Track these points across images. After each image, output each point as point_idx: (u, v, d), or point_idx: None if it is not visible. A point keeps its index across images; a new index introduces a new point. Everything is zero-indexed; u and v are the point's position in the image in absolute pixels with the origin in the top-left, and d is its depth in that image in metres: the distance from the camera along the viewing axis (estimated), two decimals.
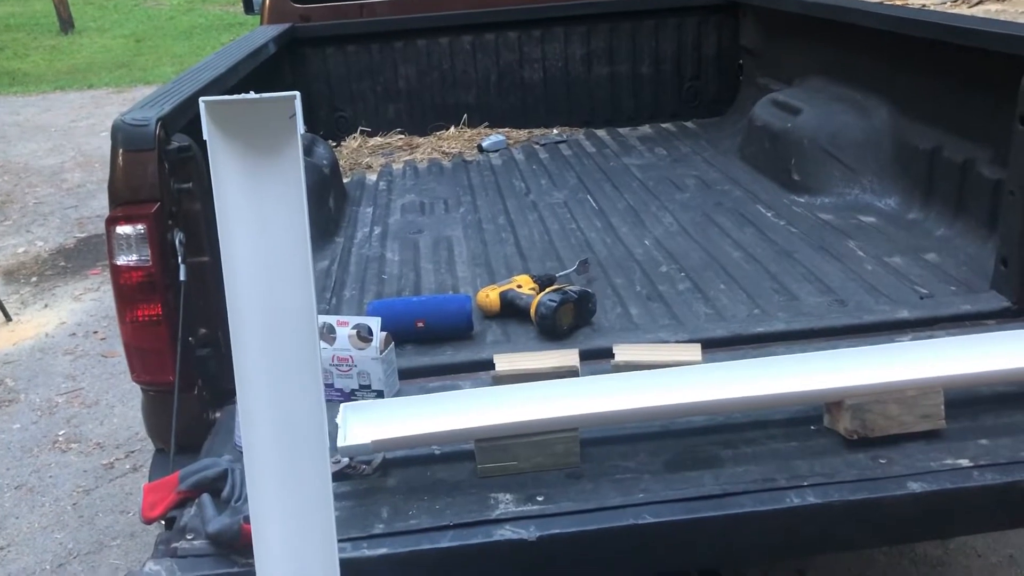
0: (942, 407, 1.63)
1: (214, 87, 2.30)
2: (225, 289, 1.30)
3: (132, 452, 3.49)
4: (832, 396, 1.62)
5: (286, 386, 1.33)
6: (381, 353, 1.86)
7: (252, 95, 1.28)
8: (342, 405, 1.66)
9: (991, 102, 2.32)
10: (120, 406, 3.80)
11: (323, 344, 1.91)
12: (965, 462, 1.56)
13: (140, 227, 1.82)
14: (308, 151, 3.09)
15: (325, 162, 3.10)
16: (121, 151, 1.83)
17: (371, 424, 1.58)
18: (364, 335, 1.89)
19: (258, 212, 1.30)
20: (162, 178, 1.83)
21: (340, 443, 1.56)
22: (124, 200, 1.83)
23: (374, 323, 1.86)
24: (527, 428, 1.57)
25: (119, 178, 1.84)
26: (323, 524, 1.34)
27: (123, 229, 1.83)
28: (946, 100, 2.61)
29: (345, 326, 1.89)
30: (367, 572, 1.45)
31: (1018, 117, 2.06)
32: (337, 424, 1.60)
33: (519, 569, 1.49)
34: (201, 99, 1.26)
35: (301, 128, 1.28)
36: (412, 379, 1.99)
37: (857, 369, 1.62)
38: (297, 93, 1.27)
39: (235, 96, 1.28)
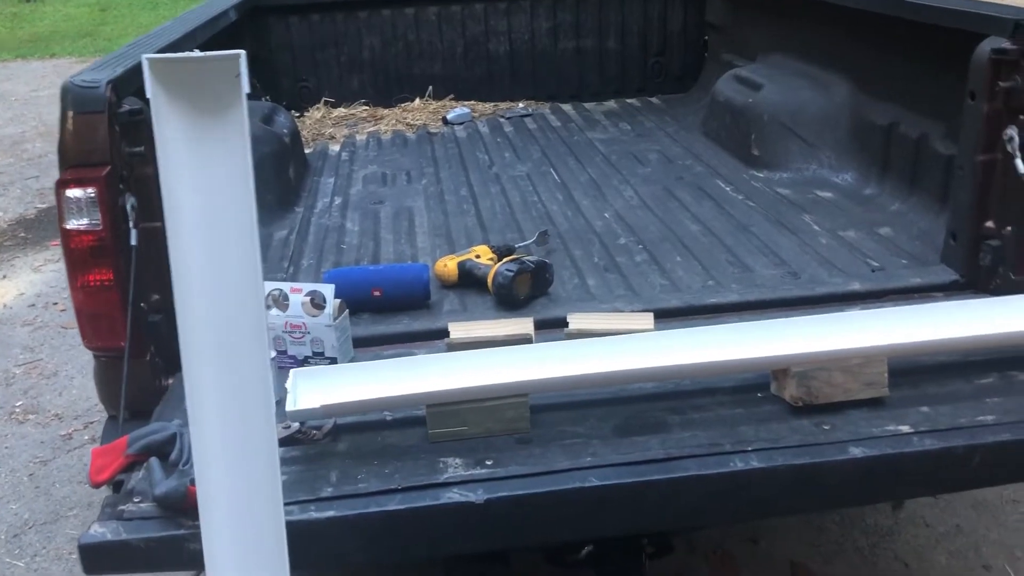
0: (886, 375, 1.67)
1: (170, 52, 2.27)
2: (169, 250, 1.29)
3: (91, 423, 3.46)
4: (778, 364, 1.64)
5: (232, 349, 1.32)
6: (335, 320, 1.86)
7: (197, 53, 1.26)
8: (292, 370, 1.66)
9: (944, 78, 2.35)
10: (79, 377, 3.77)
11: (276, 311, 1.90)
12: (906, 428, 1.60)
13: (91, 190, 1.80)
14: (269, 120, 3.07)
15: (285, 131, 3.07)
16: (71, 113, 1.80)
17: (321, 389, 1.58)
18: (318, 302, 1.88)
19: (203, 172, 1.29)
20: (113, 141, 1.81)
21: (289, 407, 1.56)
22: (74, 163, 1.81)
23: (327, 290, 1.86)
24: (477, 394, 1.58)
25: (68, 141, 1.81)
26: (269, 486, 1.34)
27: (73, 192, 1.80)
28: (903, 76, 2.64)
29: (299, 293, 1.88)
30: (315, 534, 1.46)
31: (968, 93, 2.09)
32: (287, 389, 1.60)
33: (467, 532, 1.51)
34: (144, 56, 1.24)
35: (247, 88, 1.27)
36: (368, 347, 1.99)
37: (803, 337, 1.65)
38: (242, 52, 1.26)
39: (179, 54, 1.27)
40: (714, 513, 1.62)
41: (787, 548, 2.75)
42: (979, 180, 2.09)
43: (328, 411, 1.56)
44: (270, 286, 1.90)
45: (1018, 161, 1.99)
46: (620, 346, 1.65)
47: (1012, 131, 2.01)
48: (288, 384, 1.61)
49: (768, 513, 1.75)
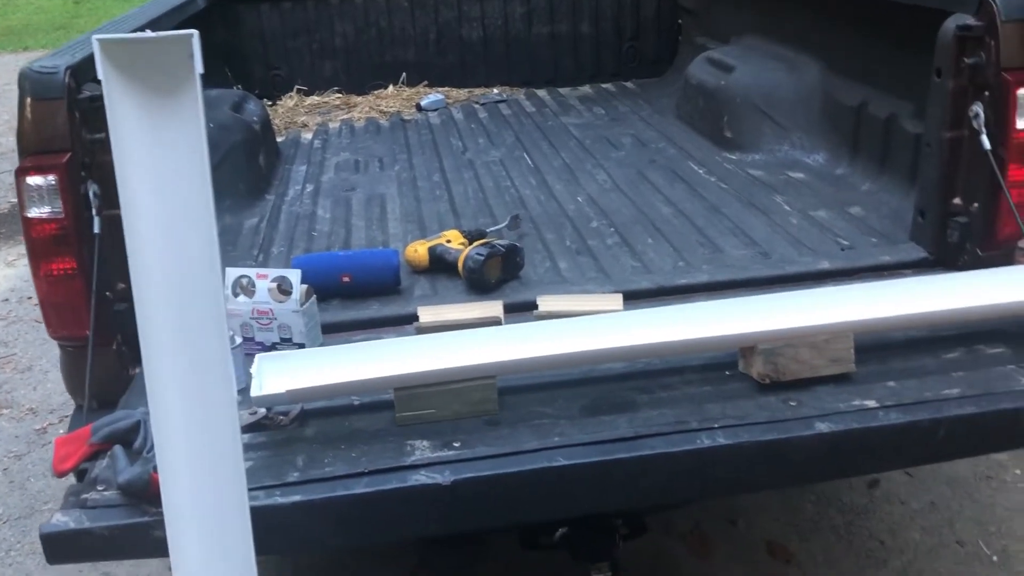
0: (852, 351, 1.67)
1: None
2: (125, 234, 1.28)
3: (65, 417, 3.41)
4: (744, 341, 1.64)
5: (191, 334, 1.31)
6: (301, 306, 1.85)
7: (149, 34, 1.24)
8: (257, 355, 1.64)
9: (912, 57, 2.35)
10: (54, 371, 3.73)
11: (243, 297, 1.89)
12: (871, 403, 1.60)
13: (51, 178, 1.79)
14: (239, 108, 3.04)
15: (256, 119, 3.05)
16: (29, 100, 1.78)
17: (286, 374, 1.57)
18: (285, 288, 1.87)
19: (158, 154, 1.27)
20: (73, 128, 1.79)
21: (254, 393, 1.55)
22: (33, 150, 1.79)
23: (294, 276, 1.85)
24: (444, 376, 1.58)
25: (27, 128, 1.80)
26: (232, 471, 1.33)
27: (34, 180, 1.79)
28: (872, 56, 2.64)
29: (265, 279, 1.87)
30: (281, 520, 1.45)
31: (934, 70, 2.09)
32: (251, 375, 1.59)
33: (435, 514, 1.50)
34: (95, 37, 1.23)
35: (200, 68, 1.25)
36: (338, 333, 1.98)
37: (768, 315, 1.65)
38: (195, 32, 1.24)
39: (131, 35, 1.25)
40: (682, 491, 1.63)
41: (764, 528, 2.76)
42: (946, 157, 2.10)
43: (293, 396, 1.55)
44: (236, 272, 1.89)
45: (983, 137, 2.00)
46: (585, 326, 1.65)
47: (977, 107, 2.01)
48: (253, 370, 1.60)
49: (736, 490, 1.76)
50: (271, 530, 1.42)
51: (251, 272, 1.88)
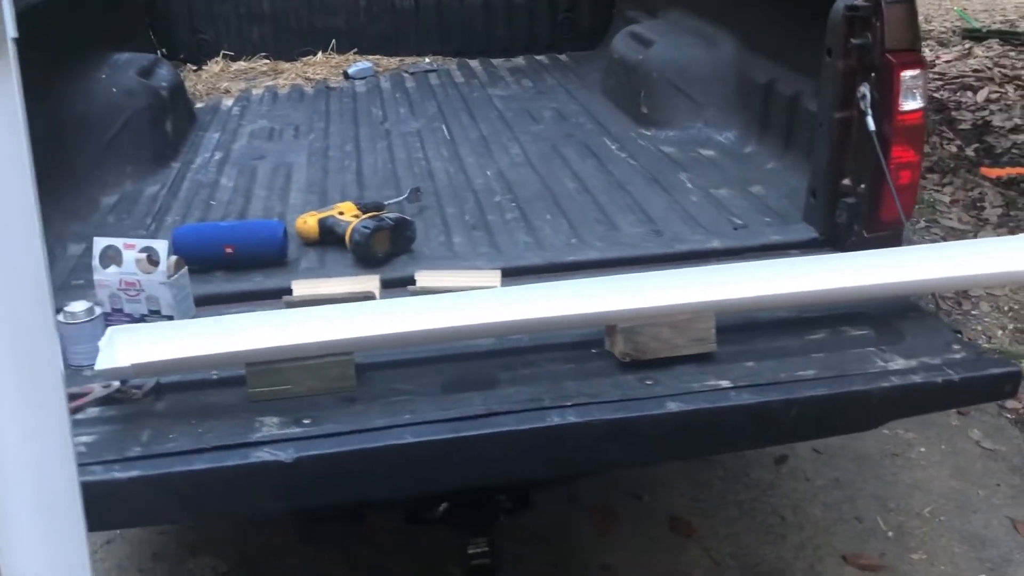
0: (713, 331, 1.67)
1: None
2: None
3: None
4: (604, 320, 1.64)
5: (10, 309, 1.27)
6: (170, 277, 1.82)
7: None
8: (109, 328, 1.62)
9: (814, 34, 2.34)
10: None
11: (113, 267, 1.85)
12: (726, 383, 1.61)
13: None
14: (148, 73, 2.98)
15: (164, 84, 2.98)
16: None
17: (135, 347, 1.54)
18: (154, 259, 1.83)
19: None
20: None
21: (99, 366, 1.52)
22: None
23: (161, 246, 1.81)
24: (295, 352, 1.56)
25: None
26: (60, 444, 1.31)
27: None
28: (781, 33, 2.63)
29: (132, 249, 1.83)
30: (118, 495, 1.43)
31: (826, 50, 2.08)
32: (99, 347, 1.56)
33: (277, 491, 1.49)
34: None
35: (13, 32, 1.21)
36: (216, 306, 1.95)
37: (628, 294, 1.64)
38: None
39: None
40: (534, 467, 1.62)
41: (669, 503, 2.79)
42: (836, 138, 2.09)
43: (139, 370, 1.52)
44: (104, 242, 1.85)
45: (869, 118, 2.00)
46: (445, 303, 1.63)
47: (865, 88, 2.01)
48: (102, 342, 1.57)
49: (588, 468, 1.75)
50: (109, 505, 1.40)
51: (118, 242, 1.84)
